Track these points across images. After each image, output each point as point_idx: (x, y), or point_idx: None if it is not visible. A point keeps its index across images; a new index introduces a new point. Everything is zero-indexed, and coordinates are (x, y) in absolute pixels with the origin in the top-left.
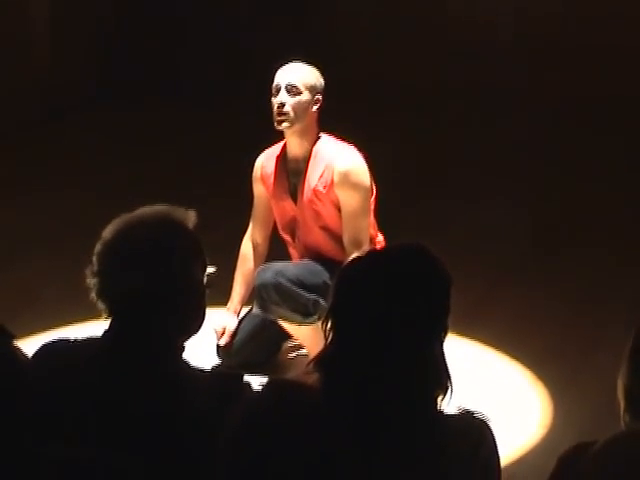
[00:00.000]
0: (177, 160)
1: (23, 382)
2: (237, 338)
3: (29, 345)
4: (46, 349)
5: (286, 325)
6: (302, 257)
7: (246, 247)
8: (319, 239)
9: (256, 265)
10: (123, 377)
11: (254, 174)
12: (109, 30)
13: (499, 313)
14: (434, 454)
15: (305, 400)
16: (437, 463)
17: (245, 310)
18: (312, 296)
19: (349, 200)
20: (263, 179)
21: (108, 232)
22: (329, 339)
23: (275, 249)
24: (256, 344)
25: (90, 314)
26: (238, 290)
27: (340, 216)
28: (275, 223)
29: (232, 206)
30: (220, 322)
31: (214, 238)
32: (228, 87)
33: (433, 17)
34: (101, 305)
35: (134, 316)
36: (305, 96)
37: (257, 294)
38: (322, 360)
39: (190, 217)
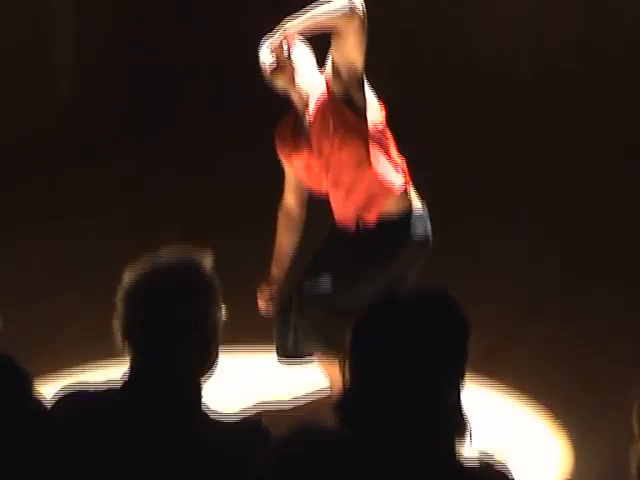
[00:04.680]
0: (201, 192)
1: (39, 431)
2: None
3: (51, 385)
4: (65, 399)
5: (319, 358)
6: (347, 206)
7: (282, 219)
8: (352, 171)
9: (294, 232)
10: (142, 424)
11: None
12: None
13: (520, 352)
14: None
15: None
16: None
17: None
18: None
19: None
20: (281, 147)
21: (128, 277)
22: (347, 382)
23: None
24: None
25: (112, 353)
26: (279, 268)
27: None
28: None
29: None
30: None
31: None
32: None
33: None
34: (127, 347)
35: (154, 357)
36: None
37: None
38: (339, 405)
39: (207, 258)
